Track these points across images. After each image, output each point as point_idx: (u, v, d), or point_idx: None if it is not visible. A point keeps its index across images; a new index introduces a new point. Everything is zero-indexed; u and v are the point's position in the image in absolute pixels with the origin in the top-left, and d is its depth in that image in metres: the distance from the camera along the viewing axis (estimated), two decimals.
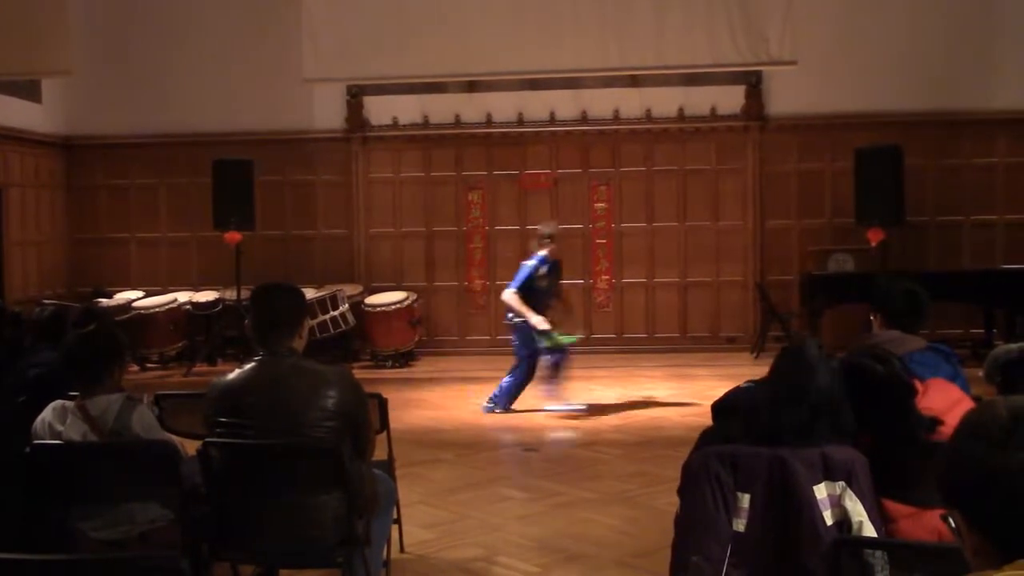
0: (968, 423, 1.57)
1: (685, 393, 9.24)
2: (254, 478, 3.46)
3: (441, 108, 12.04)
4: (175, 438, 3.96)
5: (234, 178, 10.90)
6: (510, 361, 11.54)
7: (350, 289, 11.49)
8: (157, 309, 11.12)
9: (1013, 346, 4.37)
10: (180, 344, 11.27)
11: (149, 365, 11.26)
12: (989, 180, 11.58)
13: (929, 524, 2.90)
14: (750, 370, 9.62)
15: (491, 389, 8.51)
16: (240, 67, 11.86)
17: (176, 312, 11.22)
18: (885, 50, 11.32)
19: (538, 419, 8.38)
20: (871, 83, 11.39)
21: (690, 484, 2.94)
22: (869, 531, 2.79)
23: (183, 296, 11.42)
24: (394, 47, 10.35)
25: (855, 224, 10.60)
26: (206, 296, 11.39)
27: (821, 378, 2.96)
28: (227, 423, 3.46)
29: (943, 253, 11.46)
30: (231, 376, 3.53)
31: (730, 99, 11.77)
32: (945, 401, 3.28)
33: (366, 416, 3.64)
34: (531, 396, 9.38)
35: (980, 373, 4.66)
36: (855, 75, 11.38)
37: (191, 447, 3.82)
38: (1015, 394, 4.17)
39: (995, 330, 10.74)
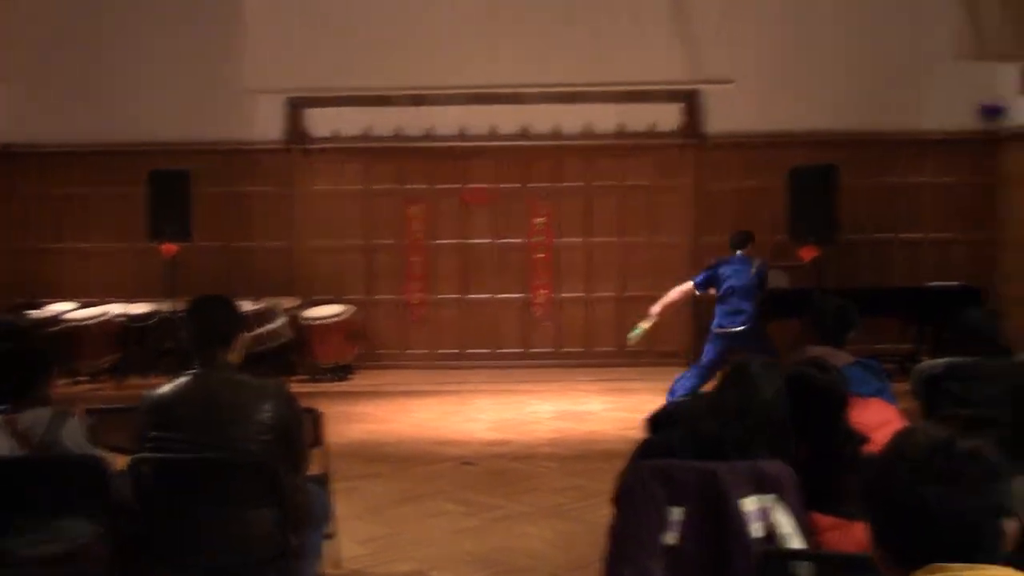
0: (890, 446, 1.65)
1: (622, 407, 9.31)
2: (186, 493, 3.42)
3: (383, 121, 12.02)
4: (106, 453, 3.89)
5: (171, 188, 10.76)
6: (448, 375, 11.56)
7: (288, 302, 11.39)
8: (89, 321, 10.90)
9: (937, 362, 4.51)
10: (113, 357, 11.07)
11: (81, 378, 11.03)
12: (918, 199, 11.89)
13: (855, 536, 2.97)
14: None
15: (431, 403, 8.49)
16: (179, 76, 11.71)
17: (109, 324, 11.01)
18: (821, 71, 11.57)
19: (477, 432, 8.39)
20: (807, 103, 11.63)
21: (623, 497, 2.98)
22: (797, 543, 2.86)
23: (117, 308, 11.22)
24: (337, 59, 10.34)
25: (790, 241, 10.80)
26: (141, 308, 11.20)
27: (764, 394, 3.02)
28: (159, 437, 3.42)
29: (876, 270, 11.73)
30: (163, 389, 3.49)
31: (669, 117, 11.93)
32: (878, 419, 3.37)
33: (301, 430, 3.62)
34: (473, 409, 9.40)
35: (907, 387, 4.79)
36: (792, 95, 11.61)
37: (123, 462, 3.76)
38: (938, 408, 4.30)
39: (923, 345, 11.00)
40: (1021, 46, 8.21)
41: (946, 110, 11.68)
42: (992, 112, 11.71)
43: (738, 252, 8.95)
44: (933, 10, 10.38)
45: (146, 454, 3.44)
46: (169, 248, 10.56)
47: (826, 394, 3.29)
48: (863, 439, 3.30)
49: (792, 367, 3.57)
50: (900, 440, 1.64)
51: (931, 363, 4.55)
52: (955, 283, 10.91)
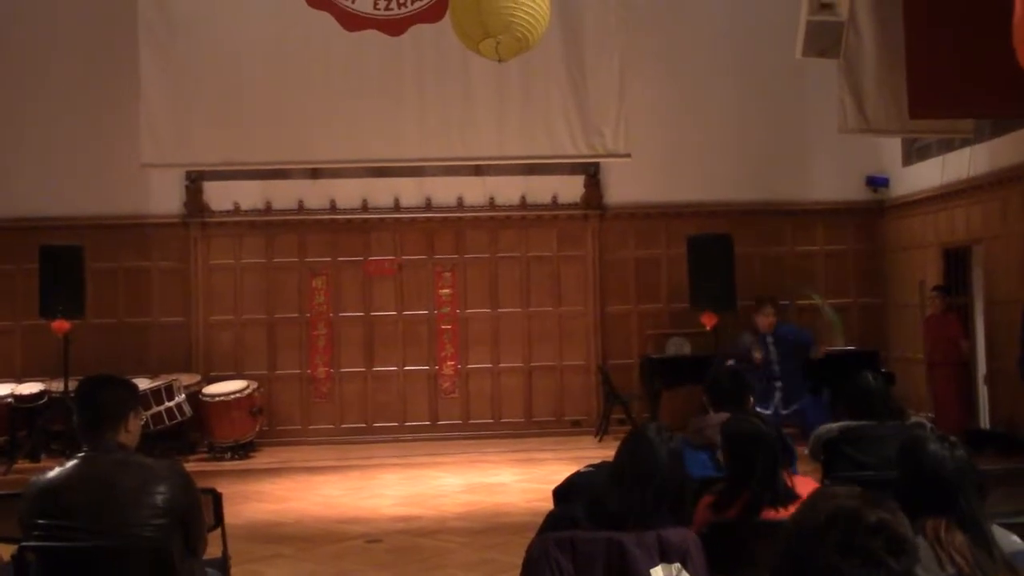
0: (796, 513, 1.66)
1: (530, 478, 9.28)
2: None
3: (284, 194, 11.95)
4: None
5: (63, 264, 10.42)
6: (353, 450, 11.39)
7: (187, 379, 11.10)
8: None
9: (834, 425, 4.62)
10: (0, 439, 10.57)
11: None
12: (810, 266, 12.29)
13: None
14: (594, 452, 9.79)
15: (336, 479, 8.26)
16: (71, 149, 11.47)
17: None
18: (714, 145, 11.97)
19: (384, 508, 8.23)
20: (702, 175, 11.99)
21: (530, 571, 2.95)
22: None
23: (4, 388, 10.76)
24: (234, 134, 10.25)
25: (690, 308, 11.02)
26: (30, 388, 10.74)
27: (662, 461, 3.04)
28: (46, 525, 3.26)
29: None
30: (51, 474, 3.34)
31: (570, 189, 12.15)
32: (804, 493, 3.41)
33: (198, 512, 3.50)
34: (380, 484, 9.24)
35: (806, 451, 4.90)
36: (687, 168, 11.97)
37: (7, 552, 3.57)
38: (837, 470, 4.39)
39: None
40: (901, 121, 8.63)
41: (834, 182, 12.19)
42: (877, 183, 12.26)
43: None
44: (819, 87, 10.85)
45: (33, 543, 3.27)
46: (61, 325, 10.19)
47: (771, 442, 3.36)
48: (796, 497, 3.33)
49: (736, 417, 3.64)
50: (804, 508, 1.63)
51: (828, 427, 4.66)
52: (850, 347, 11.25)
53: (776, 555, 1.64)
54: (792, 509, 3.24)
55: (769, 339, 7.85)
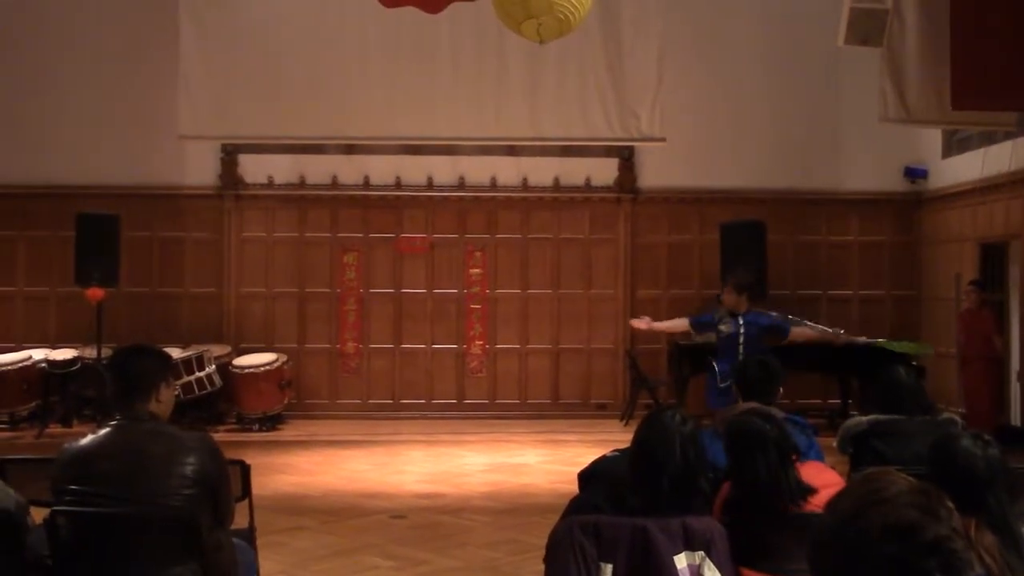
0: (844, 506, 1.56)
1: (555, 459, 9.29)
2: (105, 549, 3.30)
3: (318, 168, 11.99)
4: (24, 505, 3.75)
5: (99, 232, 10.52)
6: (380, 426, 11.42)
7: (218, 350, 11.19)
8: (8, 367, 10.58)
9: (863, 419, 4.58)
10: (33, 404, 10.74)
11: None
12: (844, 257, 12.18)
13: None
14: (620, 436, 9.77)
15: (362, 454, 8.34)
16: (110, 119, 11.56)
17: (30, 370, 10.69)
18: (749, 131, 11.86)
19: (408, 485, 8.28)
20: (737, 162, 11.90)
21: (554, 553, 2.96)
22: None
23: (38, 353, 10.91)
24: (272, 108, 10.28)
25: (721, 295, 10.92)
26: (63, 354, 10.88)
27: (678, 448, 3.02)
28: (77, 491, 3.30)
29: None
30: (83, 441, 3.38)
31: (604, 171, 12.10)
32: (815, 481, 3.38)
33: (226, 483, 3.53)
34: (405, 461, 9.29)
35: (834, 443, 4.86)
36: (721, 154, 11.88)
37: (40, 515, 3.62)
38: (864, 464, 4.35)
39: (851, 400, 11.20)
40: (943, 112, 8.50)
41: (870, 171, 12.04)
42: (916, 174, 12.10)
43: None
44: (858, 75, 10.72)
45: (63, 507, 3.32)
46: (95, 293, 10.30)
47: (770, 440, 3.33)
48: (810, 491, 3.31)
49: (735, 416, 3.61)
50: (876, 518, 1.51)
51: (857, 420, 4.62)
52: (881, 339, 11.13)
53: (819, 550, 1.57)
54: (811, 503, 3.22)
55: (740, 320, 7.82)
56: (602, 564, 2.89)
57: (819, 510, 1.81)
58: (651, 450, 3.03)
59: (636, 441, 3.11)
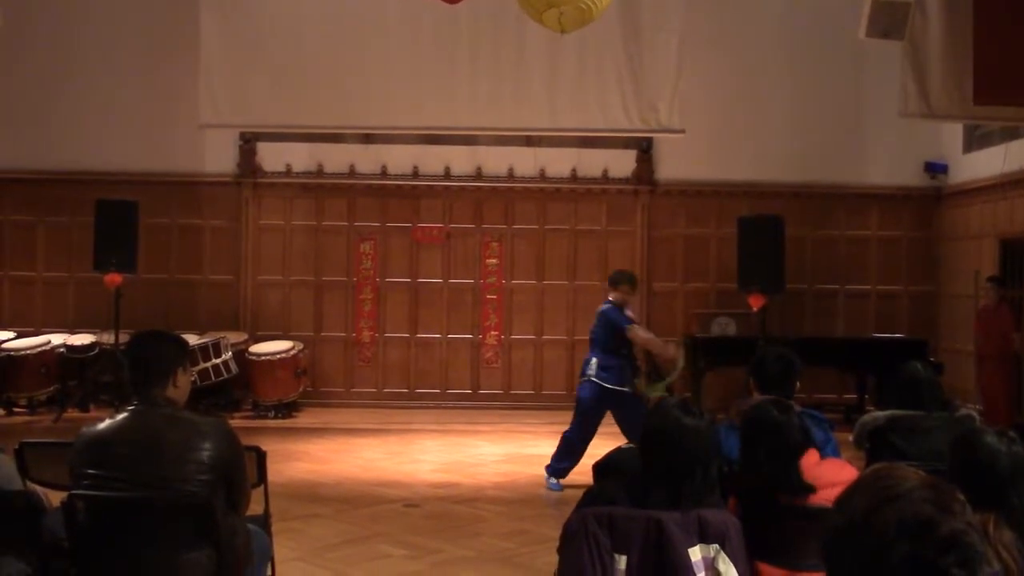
0: (857, 502, 1.54)
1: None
2: (121, 533, 3.33)
3: (336, 157, 12.00)
4: (40, 489, 3.78)
5: (118, 218, 10.57)
6: (394, 415, 11.43)
7: (234, 337, 11.24)
8: (27, 351, 10.66)
9: (880, 414, 4.56)
10: (51, 388, 10.82)
11: (17, 409, 10.77)
12: (863, 252, 12.11)
13: None
14: None
15: (376, 442, 8.34)
16: (130, 106, 11.60)
17: (48, 355, 10.77)
18: (768, 125, 11.79)
19: (422, 474, 8.30)
20: (755, 155, 11.84)
21: (568, 544, 2.95)
22: None
23: (57, 338, 10.99)
24: (291, 97, 10.27)
25: (738, 289, 10.91)
26: (81, 339, 10.96)
27: (687, 440, 3.00)
28: (95, 475, 3.33)
29: (819, 320, 11.90)
30: (101, 425, 3.40)
31: (622, 163, 12.06)
32: (835, 477, 3.36)
33: (242, 469, 3.55)
34: (419, 450, 9.32)
35: (850, 438, 4.84)
36: (740, 147, 11.82)
37: (57, 498, 3.65)
38: (882, 460, 4.33)
39: (867, 396, 11.15)
40: (964, 107, 8.43)
41: (890, 166, 11.96)
42: (936, 169, 12.01)
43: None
44: (879, 69, 10.64)
45: (81, 491, 3.34)
46: (113, 279, 10.36)
47: (782, 433, 3.33)
48: (808, 489, 3.31)
49: (752, 406, 3.61)
50: (890, 515, 1.49)
51: (874, 415, 4.60)
52: (898, 335, 11.09)
53: (833, 547, 1.55)
54: (820, 496, 3.21)
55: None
56: (616, 555, 2.88)
57: (828, 503, 1.79)
58: (656, 442, 3.02)
59: (642, 433, 3.11)
